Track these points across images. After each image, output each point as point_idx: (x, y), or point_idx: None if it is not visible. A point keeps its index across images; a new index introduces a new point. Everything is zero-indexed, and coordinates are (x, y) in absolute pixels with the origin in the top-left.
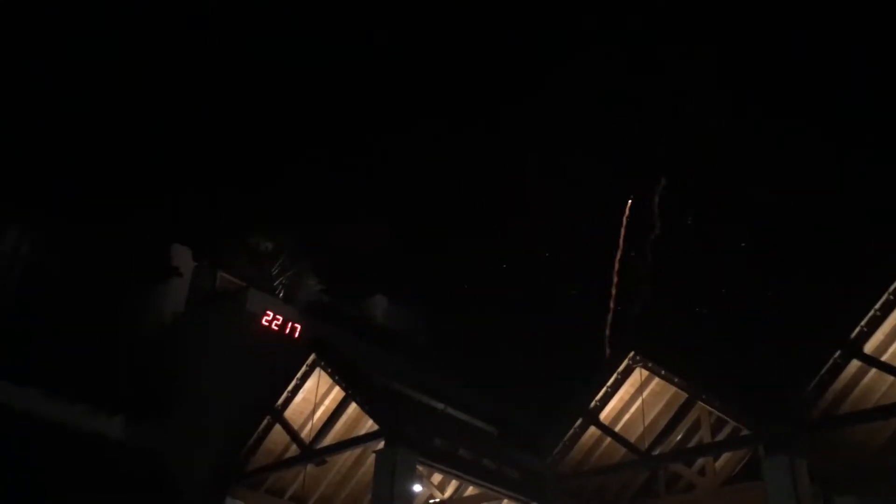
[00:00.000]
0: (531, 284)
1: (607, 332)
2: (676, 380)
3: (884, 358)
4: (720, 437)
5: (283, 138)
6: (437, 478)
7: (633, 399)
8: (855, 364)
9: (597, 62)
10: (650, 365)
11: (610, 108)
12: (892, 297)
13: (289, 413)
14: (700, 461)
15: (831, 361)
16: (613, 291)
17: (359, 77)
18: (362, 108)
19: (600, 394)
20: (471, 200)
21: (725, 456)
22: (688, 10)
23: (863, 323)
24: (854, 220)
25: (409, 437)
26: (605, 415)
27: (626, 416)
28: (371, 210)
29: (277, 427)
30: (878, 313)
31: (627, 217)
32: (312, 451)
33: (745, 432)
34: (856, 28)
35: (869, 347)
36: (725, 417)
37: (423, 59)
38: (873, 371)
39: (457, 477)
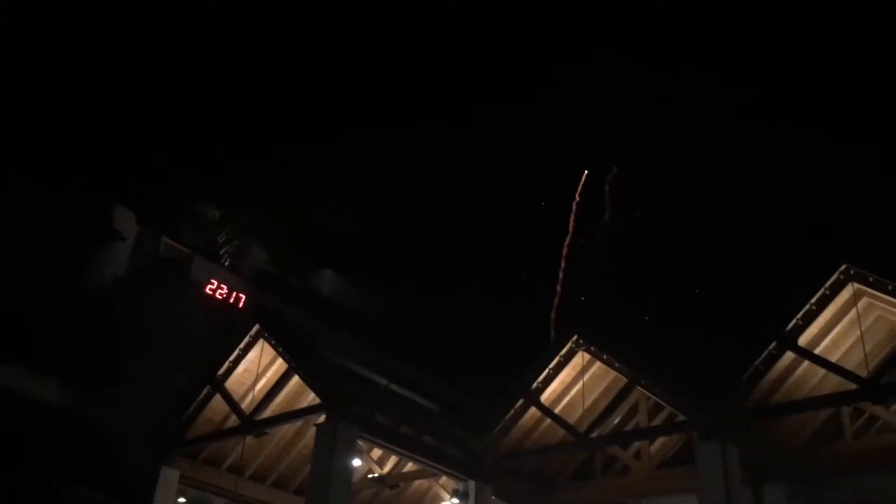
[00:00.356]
0: (486, 268)
1: (553, 315)
2: (617, 364)
3: (817, 351)
4: (656, 421)
5: (240, 107)
6: (376, 453)
7: (574, 382)
8: (789, 356)
9: (573, 65)
10: (592, 349)
11: (580, 104)
12: (827, 292)
13: (230, 383)
14: (636, 445)
15: (767, 352)
16: (561, 275)
17: (323, 60)
18: (325, 87)
19: (542, 375)
20: (433, 187)
21: (661, 440)
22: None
23: (798, 316)
24: (797, 217)
25: (350, 412)
26: (546, 396)
27: (567, 399)
28: (326, 185)
29: (217, 397)
30: (814, 307)
31: (577, 202)
32: (252, 423)
33: (680, 418)
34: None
35: (803, 340)
36: (662, 403)
37: (391, 52)
38: (806, 363)
39: (397, 453)
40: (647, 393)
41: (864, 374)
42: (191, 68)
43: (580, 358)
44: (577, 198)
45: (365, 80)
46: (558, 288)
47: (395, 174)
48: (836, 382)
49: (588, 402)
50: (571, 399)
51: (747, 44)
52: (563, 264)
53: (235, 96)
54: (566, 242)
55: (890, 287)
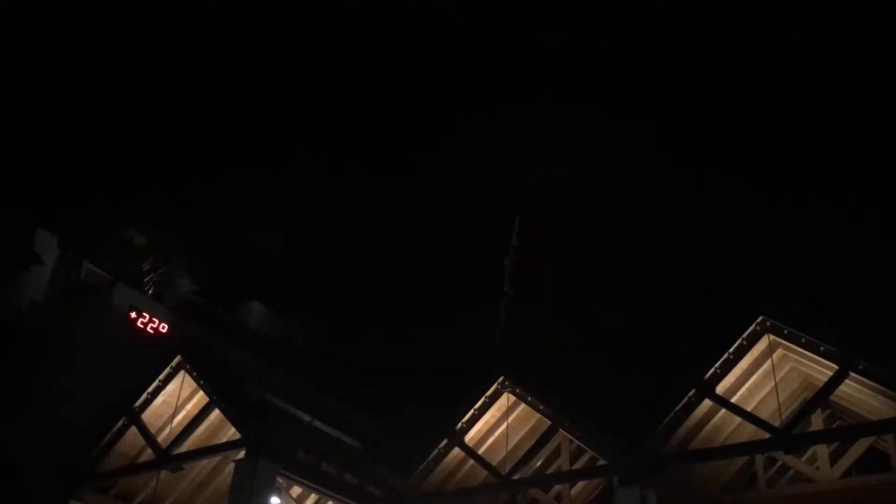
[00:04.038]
0: (421, 305)
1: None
2: (541, 407)
3: (733, 399)
4: (578, 465)
5: (172, 130)
6: (296, 491)
7: (498, 423)
8: (707, 403)
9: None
10: (517, 390)
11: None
12: (744, 342)
13: (147, 416)
14: (557, 487)
15: (686, 400)
16: (500, 325)
17: (266, 81)
18: (262, 110)
19: (467, 416)
20: (368, 215)
21: (581, 484)
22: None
23: (717, 365)
24: (718, 268)
25: (271, 448)
26: (470, 437)
27: (491, 440)
28: (258, 216)
29: (133, 430)
30: (731, 357)
31: (516, 251)
32: (168, 457)
33: (601, 462)
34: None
35: (721, 389)
36: (584, 446)
37: (337, 78)
38: (723, 411)
39: (317, 491)
40: (570, 436)
41: (777, 423)
42: (121, 90)
43: (505, 399)
44: (513, 253)
45: (289, 108)
46: (498, 336)
47: (325, 202)
48: (751, 431)
49: (511, 444)
50: (495, 440)
51: (658, 89)
52: (503, 316)
53: (165, 120)
54: (503, 300)
55: (803, 340)
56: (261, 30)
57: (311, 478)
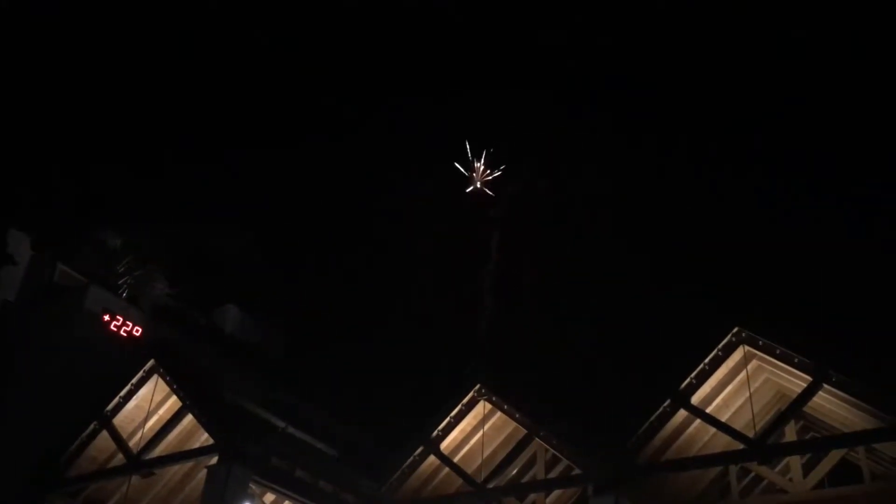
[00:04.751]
0: (400, 311)
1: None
2: (517, 415)
3: (708, 410)
4: (553, 474)
5: (150, 132)
6: (269, 497)
7: (474, 431)
8: (682, 413)
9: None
10: (494, 399)
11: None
12: (720, 353)
13: (119, 420)
14: (532, 496)
15: (661, 409)
16: (480, 334)
17: (238, 83)
18: (245, 111)
19: (443, 423)
20: (344, 224)
21: (556, 493)
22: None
23: (692, 375)
24: (696, 279)
25: (244, 454)
26: (445, 445)
27: (467, 448)
28: (236, 219)
29: (104, 434)
30: (707, 368)
31: (495, 264)
32: (140, 462)
33: (576, 471)
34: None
35: (696, 399)
36: (559, 455)
37: (306, 73)
38: (698, 421)
39: (290, 498)
40: (546, 445)
41: (751, 434)
42: (97, 92)
43: (482, 407)
44: (492, 265)
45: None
46: (477, 346)
47: (308, 207)
48: (725, 441)
49: (487, 452)
50: (471, 448)
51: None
52: (482, 326)
53: (143, 122)
54: (483, 312)
55: (778, 351)
56: (262, 31)
57: (285, 484)
